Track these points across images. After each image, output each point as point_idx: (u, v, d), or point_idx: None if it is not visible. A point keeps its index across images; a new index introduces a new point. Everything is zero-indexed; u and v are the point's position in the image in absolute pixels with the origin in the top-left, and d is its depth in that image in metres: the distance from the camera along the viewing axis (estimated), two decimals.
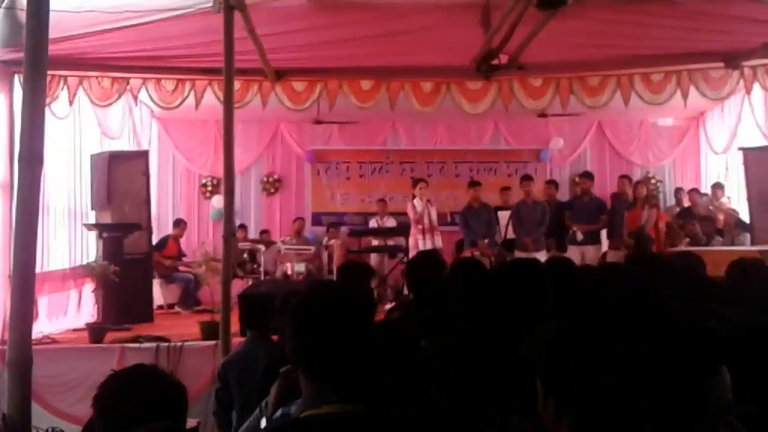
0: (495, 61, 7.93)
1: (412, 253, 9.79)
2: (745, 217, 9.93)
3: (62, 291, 8.49)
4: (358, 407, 1.92)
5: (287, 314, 1.97)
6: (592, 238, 10.03)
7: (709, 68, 8.63)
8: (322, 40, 7.56)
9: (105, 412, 2.16)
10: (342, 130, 12.61)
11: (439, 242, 9.89)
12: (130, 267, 8.36)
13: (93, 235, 9.05)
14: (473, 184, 10.43)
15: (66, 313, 8.49)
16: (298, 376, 2.03)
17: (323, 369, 1.93)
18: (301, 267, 10.66)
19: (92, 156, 9.27)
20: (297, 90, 8.75)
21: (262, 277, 10.73)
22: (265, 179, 12.77)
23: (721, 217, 10.31)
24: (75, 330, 8.12)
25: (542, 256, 9.29)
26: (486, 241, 9.82)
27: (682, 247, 9.56)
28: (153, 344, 6.87)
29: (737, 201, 10.66)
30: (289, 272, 10.69)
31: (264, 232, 12.22)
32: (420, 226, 9.88)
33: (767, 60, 8.37)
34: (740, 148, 10.11)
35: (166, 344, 6.86)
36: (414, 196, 10.07)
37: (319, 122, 11.94)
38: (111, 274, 7.77)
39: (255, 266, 11.37)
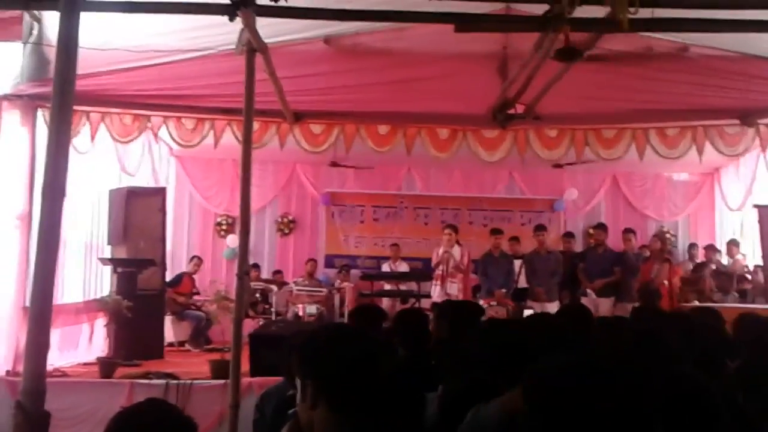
0: (511, 111, 8.00)
1: (433, 298, 9.77)
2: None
3: (75, 324, 8.51)
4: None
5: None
6: (607, 292, 9.96)
7: (724, 125, 8.67)
8: (341, 84, 7.68)
9: None
10: (357, 174, 12.69)
11: (453, 290, 9.82)
12: (142, 303, 8.39)
13: (108, 269, 9.11)
14: (495, 231, 10.35)
15: (77, 347, 8.50)
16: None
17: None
18: (312, 309, 10.66)
19: (110, 191, 9.38)
20: (314, 132, 8.83)
21: (274, 318, 10.72)
22: (279, 220, 12.85)
23: (747, 275, 10.23)
24: (86, 364, 8.12)
25: (555, 307, 9.26)
26: (503, 291, 9.77)
27: (695, 303, 9.50)
28: (163, 381, 6.86)
29: (752, 258, 10.60)
30: (301, 313, 10.69)
31: (277, 272, 12.25)
32: (437, 272, 9.89)
33: None
34: (755, 206, 10.10)
35: (175, 382, 6.84)
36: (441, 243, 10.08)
37: (335, 165, 12.03)
38: (124, 309, 7.81)
39: (267, 306, 11.37)
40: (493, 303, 9.42)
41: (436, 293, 9.72)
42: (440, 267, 9.87)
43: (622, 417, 1.29)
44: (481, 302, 9.55)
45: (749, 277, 10.26)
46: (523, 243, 10.80)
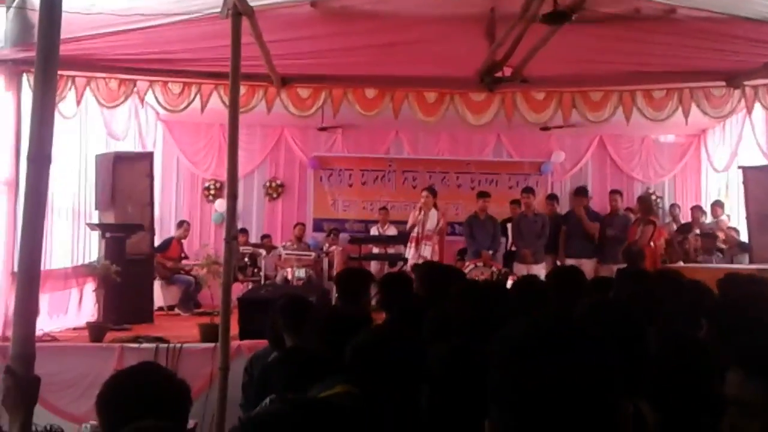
0: (499, 74, 8.00)
1: (409, 261, 9.89)
2: (743, 235, 9.98)
3: (64, 289, 8.53)
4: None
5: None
6: (588, 252, 10.03)
7: (710, 87, 8.69)
8: (328, 47, 7.63)
9: (108, 410, 2.14)
10: (345, 138, 12.70)
11: (426, 252, 9.91)
12: (131, 267, 8.40)
13: (96, 234, 9.11)
14: (482, 194, 10.38)
15: (67, 312, 8.53)
16: None
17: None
18: (301, 272, 10.71)
19: (97, 156, 9.33)
20: (302, 96, 8.81)
21: (263, 282, 10.78)
22: (267, 184, 12.85)
23: (721, 235, 10.35)
24: (75, 329, 8.16)
25: (541, 269, 9.36)
26: (490, 252, 9.84)
27: (680, 264, 9.61)
28: (152, 345, 6.91)
29: (736, 219, 10.71)
30: (290, 277, 10.74)
31: (265, 236, 12.28)
32: (412, 235, 9.97)
33: None
34: (740, 167, 10.16)
35: (165, 345, 6.89)
36: (419, 205, 10.14)
37: (323, 129, 12.02)
38: (113, 274, 7.82)
39: (255, 270, 11.42)
40: (479, 264, 9.50)
41: (412, 255, 9.80)
42: (415, 229, 9.93)
43: (580, 378, 1.29)
44: (468, 263, 9.70)
45: (735, 236, 10.36)
46: (510, 205, 10.86)
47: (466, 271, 9.13)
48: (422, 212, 9.95)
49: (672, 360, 2.20)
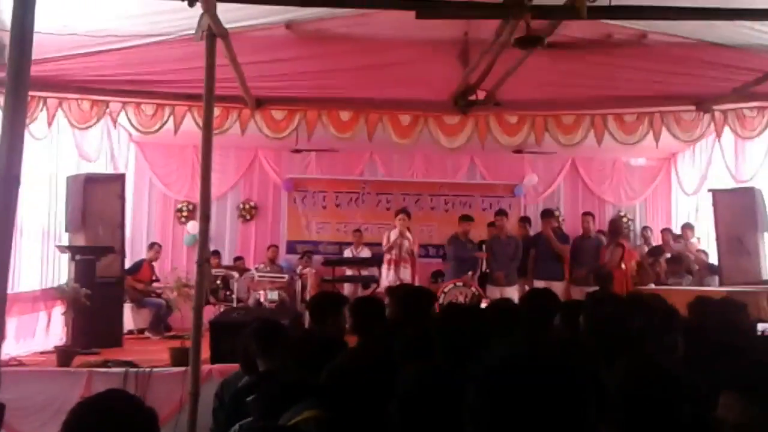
0: (472, 97, 8.07)
1: (382, 283, 9.87)
2: (712, 258, 10.08)
3: (32, 313, 8.38)
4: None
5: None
6: (558, 275, 10.04)
7: (681, 111, 8.84)
8: (303, 70, 7.65)
9: None
10: (320, 160, 12.68)
11: (406, 275, 10.00)
12: (101, 290, 8.27)
13: (65, 257, 8.98)
14: (465, 218, 10.39)
15: (34, 336, 8.38)
16: None
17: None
18: (274, 295, 10.61)
19: (68, 178, 9.22)
20: (276, 118, 8.81)
21: (235, 304, 10.68)
22: (241, 206, 12.77)
23: (691, 257, 10.46)
24: (43, 353, 8.01)
25: (514, 291, 9.38)
26: (470, 274, 9.85)
27: (651, 286, 9.67)
28: (122, 369, 6.78)
29: (706, 242, 10.82)
30: (262, 300, 10.65)
31: (238, 258, 12.18)
32: (389, 257, 9.96)
33: (737, 105, 8.59)
34: (710, 190, 10.29)
35: (134, 370, 6.77)
36: (395, 227, 10.15)
37: (297, 151, 11.99)
38: (82, 297, 7.70)
39: (228, 293, 11.31)
40: (459, 284, 9.52)
41: (390, 278, 9.79)
42: (393, 251, 9.94)
43: (556, 402, 1.35)
44: (448, 283, 9.72)
45: (704, 259, 10.46)
46: (483, 228, 10.88)
47: (446, 290, 9.15)
48: (400, 235, 9.97)
49: (638, 389, 2.20)
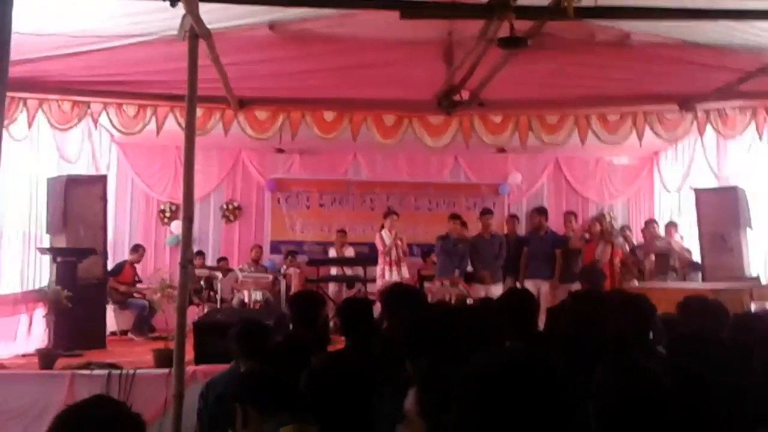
0: (456, 97, 8.07)
1: (378, 283, 9.88)
2: (696, 255, 10.15)
3: (12, 315, 8.29)
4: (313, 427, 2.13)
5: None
6: (548, 274, 10.06)
7: (664, 110, 8.88)
8: (286, 70, 7.62)
9: None
10: (303, 160, 12.65)
11: (405, 273, 10.09)
12: (83, 292, 8.21)
13: (47, 259, 8.90)
14: (454, 216, 10.32)
15: (15, 338, 8.29)
16: None
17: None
18: (258, 295, 10.58)
19: (49, 180, 9.14)
20: (260, 119, 8.77)
21: (219, 305, 10.63)
22: (224, 206, 12.72)
23: (675, 254, 10.52)
24: (24, 355, 7.93)
25: (499, 289, 9.39)
26: (456, 273, 9.85)
27: (635, 283, 9.73)
28: (104, 371, 6.72)
29: (689, 239, 10.90)
30: (246, 300, 10.61)
31: (222, 259, 12.12)
32: (388, 258, 9.98)
33: (720, 104, 8.65)
34: (693, 188, 10.36)
35: (117, 371, 6.71)
36: (382, 227, 10.14)
37: (280, 151, 11.95)
38: (63, 299, 7.63)
39: (212, 293, 11.26)
40: (446, 282, 9.53)
41: (393, 278, 9.75)
42: (392, 253, 9.96)
43: (538, 410, 1.41)
44: (436, 282, 9.73)
45: (688, 256, 10.53)
46: (469, 226, 10.85)
47: (434, 289, 9.16)
48: (396, 234, 10.03)
49: (620, 392, 2.20)
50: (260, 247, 12.06)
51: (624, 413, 2.14)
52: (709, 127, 8.91)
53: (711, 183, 10.38)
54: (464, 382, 1.50)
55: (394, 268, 9.98)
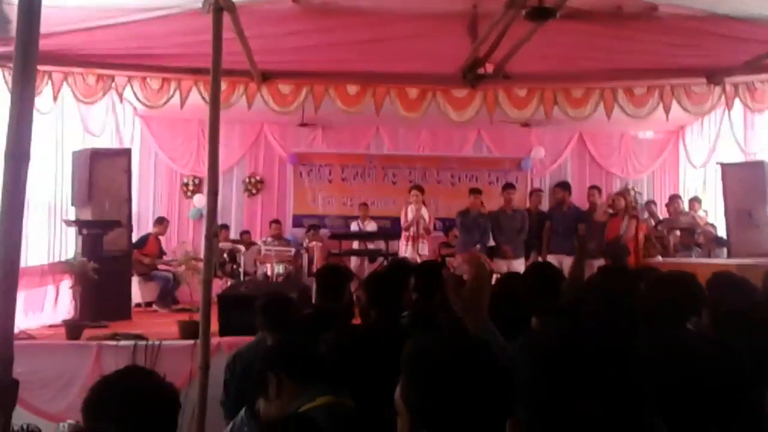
0: (481, 70, 7.99)
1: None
2: (721, 231, 10.06)
3: (40, 287, 8.39)
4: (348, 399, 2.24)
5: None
6: (570, 249, 9.98)
7: (691, 83, 8.75)
8: (310, 43, 7.58)
9: (95, 416, 2.07)
10: (326, 134, 12.65)
11: (424, 250, 10.09)
12: (109, 264, 8.28)
13: (72, 231, 8.99)
14: (474, 191, 10.26)
15: (43, 309, 8.40)
16: None
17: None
18: (281, 268, 10.64)
19: (74, 153, 9.21)
20: (283, 92, 8.75)
21: (242, 278, 10.71)
22: (247, 180, 12.77)
23: (699, 230, 10.43)
24: (51, 326, 8.03)
25: (521, 264, 9.37)
26: (478, 247, 9.83)
27: (659, 258, 9.67)
28: (131, 342, 6.80)
29: (714, 215, 10.79)
30: (269, 273, 10.67)
31: (245, 232, 12.19)
32: (407, 234, 9.99)
33: (749, 77, 8.50)
34: (718, 163, 10.24)
35: (143, 343, 6.79)
36: (410, 203, 10.16)
37: (303, 125, 11.95)
38: (90, 271, 7.70)
39: (235, 266, 11.34)
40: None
41: (408, 253, 9.79)
42: (411, 229, 9.97)
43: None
44: (458, 257, 9.72)
45: (713, 231, 10.44)
46: (491, 201, 10.81)
47: (456, 264, 9.15)
48: (417, 210, 10.05)
49: (670, 366, 2.14)
50: (279, 223, 12.07)
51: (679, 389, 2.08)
52: (737, 101, 8.77)
53: (737, 158, 10.23)
54: (406, 359, 1.72)
55: (410, 243, 10.00)
